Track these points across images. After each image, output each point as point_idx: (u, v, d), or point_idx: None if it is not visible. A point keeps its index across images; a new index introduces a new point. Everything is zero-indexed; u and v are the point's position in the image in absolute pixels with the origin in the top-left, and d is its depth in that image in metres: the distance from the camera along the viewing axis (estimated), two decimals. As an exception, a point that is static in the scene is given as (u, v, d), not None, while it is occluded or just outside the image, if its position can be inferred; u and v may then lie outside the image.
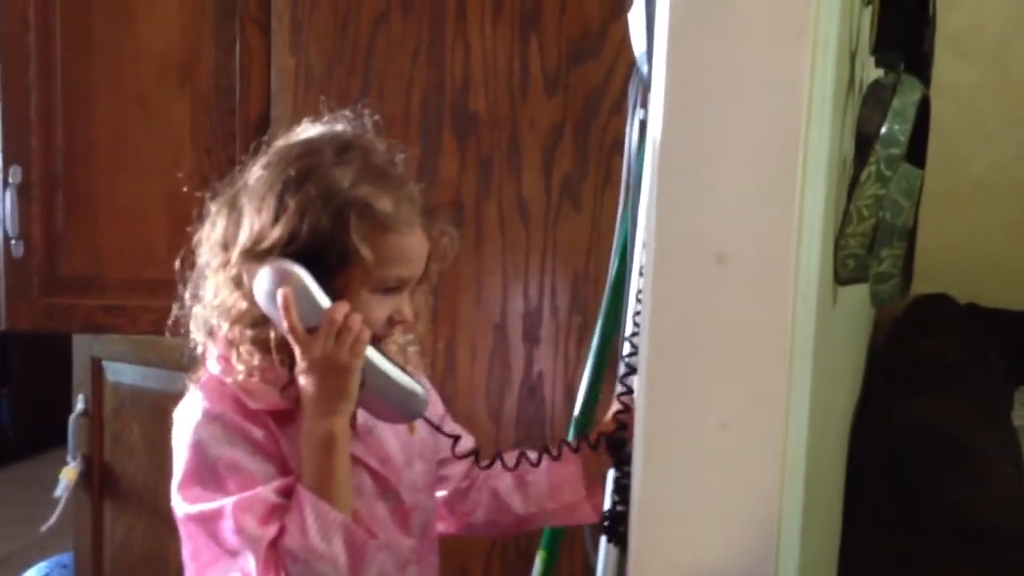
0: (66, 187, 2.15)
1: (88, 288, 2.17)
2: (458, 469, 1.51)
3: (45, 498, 2.57)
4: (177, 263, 1.36)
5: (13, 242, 2.15)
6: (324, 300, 1.24)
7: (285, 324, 1.23)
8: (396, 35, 1.99)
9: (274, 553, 1.21)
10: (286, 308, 1.22)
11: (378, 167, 1.30)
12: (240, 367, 1.28)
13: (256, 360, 1.28)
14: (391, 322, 1.30)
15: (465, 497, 1.51)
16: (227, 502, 1.22)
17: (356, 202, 1.25)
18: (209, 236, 1.32)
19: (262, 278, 1.24)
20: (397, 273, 1.28)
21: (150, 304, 2.08)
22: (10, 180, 2.13)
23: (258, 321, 1.27)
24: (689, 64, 0.88)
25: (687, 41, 0.88)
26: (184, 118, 2.11)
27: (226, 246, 1.29)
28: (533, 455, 1.43)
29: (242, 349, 1.28)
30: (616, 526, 1.32)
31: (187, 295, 1.35)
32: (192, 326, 1.34)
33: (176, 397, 1.35)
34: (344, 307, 1.23)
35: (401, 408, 1.30)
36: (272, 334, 1.27)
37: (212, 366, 1.32)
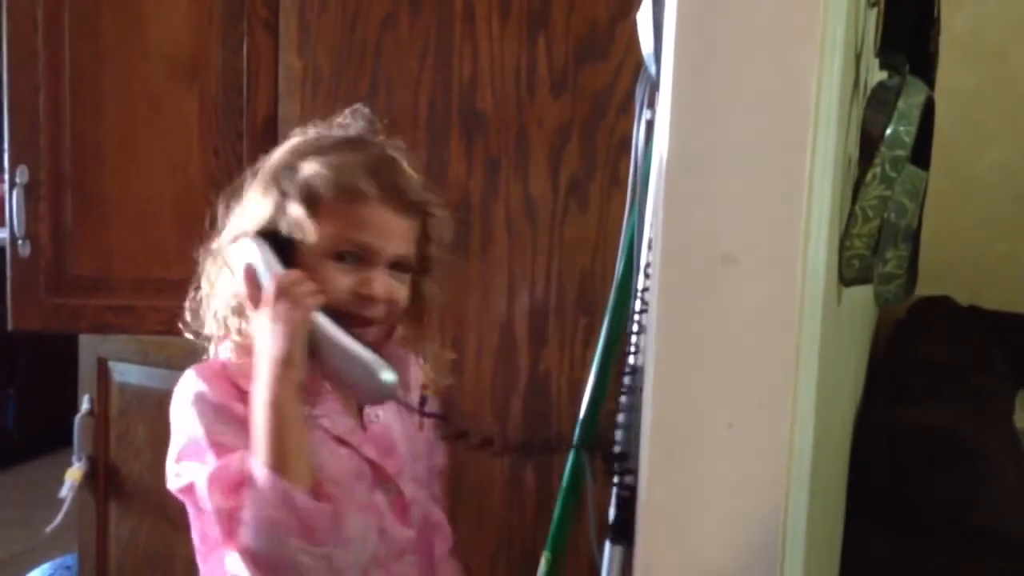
0: (74, 187, 2.15)
1: (96, 288, 2.17)
2: None
3: (50, 499, 2.57)
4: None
5: (20, 242, 2.15)
6: (278, 268, 1.26)
7: (247, 296, 1.27)
8: (404, 36, 1.99)
9: (234, 524, 1.22)
10: (247, 280, 1.27)
11: (348, 140, 1.33)
12: (240, 349, 1.31)
13: (250, 341, 1.30)
14: (359, 296, 1.29)
15: None
16: (201, 473, 1.24)
17: (304, 173, 1.29)
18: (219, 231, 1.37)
19: (231, 259, 1.30)
20: (351, 238, 1.29)
21: (158, 304, 2.08)
22: (17, 179, 2.13)
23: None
24: (697, 65, 0.89)
25: (695, 42, 0.89)
26: (192, 118, 2.11)
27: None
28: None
29: (242, 331, 1.32)
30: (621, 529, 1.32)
31: (193, 288, 1.38)
32: (208, 317, 1.37)
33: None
34: (293, 273, 1.26)
35: (364, 386, 1.27)
36: None
37: (223, 352, 1.35)
